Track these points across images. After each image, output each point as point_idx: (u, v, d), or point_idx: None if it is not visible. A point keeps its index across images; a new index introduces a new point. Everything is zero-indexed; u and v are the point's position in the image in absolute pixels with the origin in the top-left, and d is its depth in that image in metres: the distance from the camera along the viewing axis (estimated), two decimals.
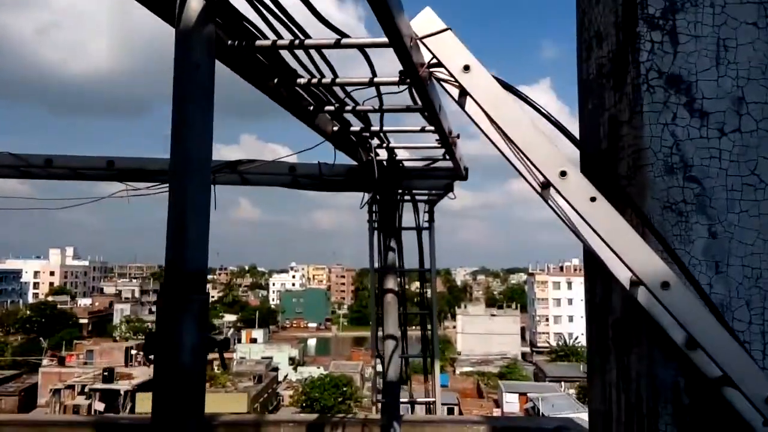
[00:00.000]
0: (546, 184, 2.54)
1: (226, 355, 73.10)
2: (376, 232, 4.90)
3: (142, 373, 53.14)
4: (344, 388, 52.39)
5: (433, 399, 4.96)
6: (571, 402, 59.14)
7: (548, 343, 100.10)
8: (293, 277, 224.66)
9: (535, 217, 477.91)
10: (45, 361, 62.69)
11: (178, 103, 2.19)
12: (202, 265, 2.19)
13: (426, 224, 5.09)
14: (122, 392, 47.25)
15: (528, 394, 63.23)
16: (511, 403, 64.14)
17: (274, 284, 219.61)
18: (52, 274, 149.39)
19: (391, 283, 4.19)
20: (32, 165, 3.30)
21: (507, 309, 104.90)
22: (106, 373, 48.58)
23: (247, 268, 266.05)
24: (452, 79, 2.57)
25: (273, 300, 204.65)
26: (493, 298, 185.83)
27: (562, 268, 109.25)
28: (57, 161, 3.34)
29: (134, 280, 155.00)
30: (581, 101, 3.14)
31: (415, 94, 3.55)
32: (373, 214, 4.85)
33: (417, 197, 5.33)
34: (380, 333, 5.35)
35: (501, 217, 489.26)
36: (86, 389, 48.16)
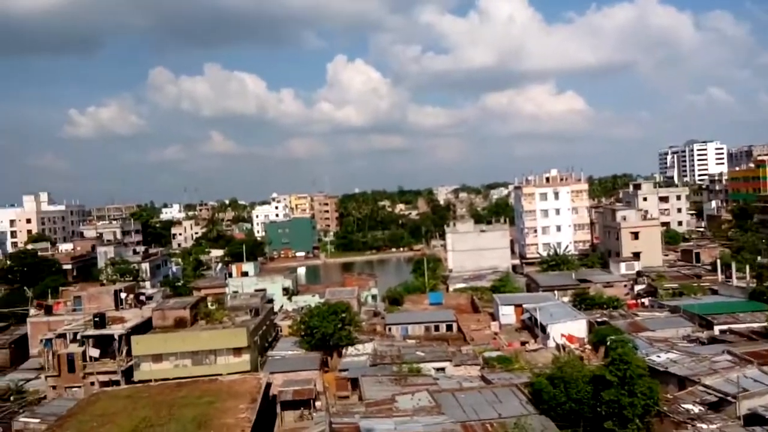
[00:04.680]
0: None
1: (219, 290, 71.83)
2: None
3: (135, 315, 51.76)
4: (343, 315, 51.60)
5: None
6: (568, 309, 59.33)
7: (538, 253, 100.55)
8: (276, 208, 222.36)
9: (509, 131, 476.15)
10: (32, 311, 60.88)
11: None
12: None
13: None
14: (116, 336, 45.86)
15: (524, 305, 63.28)
16: (508, 315, 64.30)
17: (257, 216, 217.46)
18: (28, 221, 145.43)
19: None
20: None
21: (495, 224, 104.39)
22: (97, 319, 46.99)
23: (227, 202, 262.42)
24: None
25: (258, 232, 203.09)
26: (478, 214, 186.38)
27: (548, 179, 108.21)
28: None
29: (114, 222, 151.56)
30: None
31: None
32: None
33: None
34: None
35: (476, 133, 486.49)
36: (78, 336, 46.66)
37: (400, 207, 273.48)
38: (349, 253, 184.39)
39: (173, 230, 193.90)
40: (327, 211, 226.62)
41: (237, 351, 46.34)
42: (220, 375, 43.01)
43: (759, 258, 73.00)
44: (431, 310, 71.25)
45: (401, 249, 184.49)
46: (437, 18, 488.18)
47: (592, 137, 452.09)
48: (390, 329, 60.35)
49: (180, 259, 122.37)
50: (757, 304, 55.13)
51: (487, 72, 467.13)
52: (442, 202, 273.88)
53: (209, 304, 55.73)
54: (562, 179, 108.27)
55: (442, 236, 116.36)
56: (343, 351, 50.39)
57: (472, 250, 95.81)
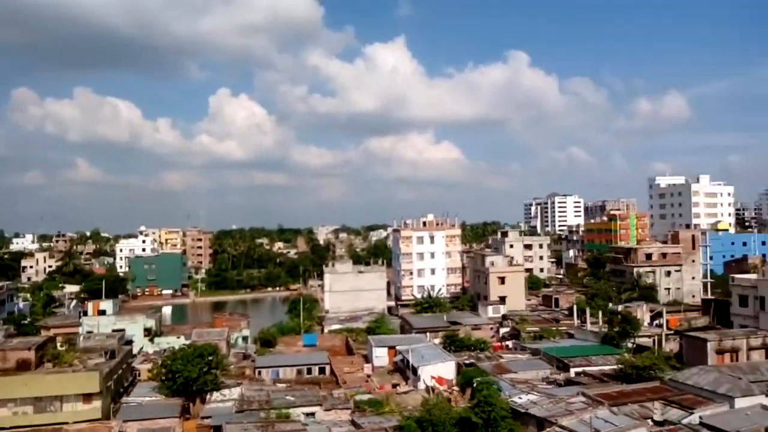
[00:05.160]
0: None
1: (71, 330, 65.76)
2: None
3: None
4: (210, 358, 48.85)
5: None
6: (438, 351, 60.56)
7: (413, 295, 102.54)
8: (143, 242, 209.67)
9: (391, 175, 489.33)
10: None
11: None
12: None
13: None
14: None
15: (397, 347, 63.76)
16: (381, 357, 64.42)
17: (121, 250, 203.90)
18: None
19: None
20: None
21: (373, 265, 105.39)
22: None
23: (88, 234, 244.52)
24: None
25: (121, 267, 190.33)
26: (357, 255, 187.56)
27: (425, 224, 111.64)
28: None
29: None
30: None
31: None
32: None
33: None
34: None
35: (359, 175, 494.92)
36: None
37: (278, 245, 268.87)
38: (221, 291, 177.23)
39: (23, 262, 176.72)
40: (200, 247, 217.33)
41: (87, 397, 42.19)
42: (66, 424, 39.38)
43: (610, 304, 79.11)
44: (305, 352, 69.67)
45: (277, 288, 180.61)
46: (324, 61, 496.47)
47: (466, 185, 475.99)
48: (260, 372, 58.04)
49: (29, 295, 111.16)
50: (608, 347, 59.55)
51: (372, 117, 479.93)
52: (322, 242, 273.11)
53: (58, 344, 50.65)
54: (438, 224, 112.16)
55: (321, 276, 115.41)
56: (208, 397, 47.53)
57: (349, 291, 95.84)
